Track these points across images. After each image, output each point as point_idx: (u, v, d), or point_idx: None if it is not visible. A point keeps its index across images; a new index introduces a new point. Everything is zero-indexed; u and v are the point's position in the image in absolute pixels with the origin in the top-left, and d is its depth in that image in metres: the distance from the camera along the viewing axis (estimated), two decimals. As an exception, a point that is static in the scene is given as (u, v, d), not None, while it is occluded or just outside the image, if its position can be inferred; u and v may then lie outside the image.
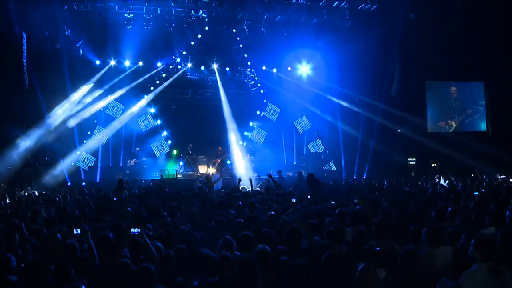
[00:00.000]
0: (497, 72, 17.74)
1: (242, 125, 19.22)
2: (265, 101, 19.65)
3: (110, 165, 18.18)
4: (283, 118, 19.29)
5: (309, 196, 8.63)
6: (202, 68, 18.87)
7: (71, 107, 16.41)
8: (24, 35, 14.06)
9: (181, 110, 19.58)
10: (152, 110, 18.48)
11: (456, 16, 16.23)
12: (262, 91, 20.04)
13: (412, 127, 18.56)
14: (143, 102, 18.05)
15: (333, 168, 19.08)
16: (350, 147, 19.02)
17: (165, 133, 18.62)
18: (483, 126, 19.99)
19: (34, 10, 13.35)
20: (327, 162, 19.44)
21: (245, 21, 16.80)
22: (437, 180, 12.46)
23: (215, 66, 18.85)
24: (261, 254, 4.09)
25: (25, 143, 14.42)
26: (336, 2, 16.29)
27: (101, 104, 17.32)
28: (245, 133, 19.45)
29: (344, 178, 17.29)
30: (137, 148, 17.86)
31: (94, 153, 17.00)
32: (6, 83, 13.63)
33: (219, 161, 17.66)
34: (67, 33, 15.56)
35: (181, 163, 18.09)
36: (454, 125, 19.89)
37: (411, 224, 4.99)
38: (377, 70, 17.67)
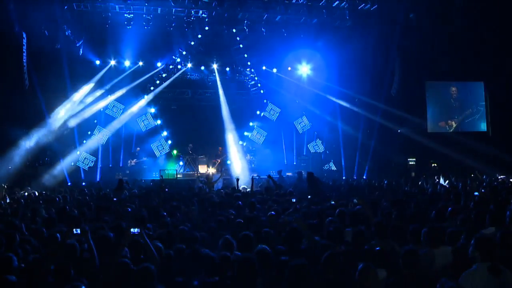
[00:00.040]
0: (497, 72, 17.74)
1: (242, 125, 19.21)
2: (265, 101, 19.65)
3: (110, 165, 18.18)
4: (283, 118, 19.27)
5: (309, 196, 8.63)
6: (202, 68, 18.87)
7: (72, 107, 16.41)
8: (24, 35, 14.06)
9: (181, 110, 19.58)
10: (152, 110, 18.49)
11: (456, 16, 16.24)
12: (262, 91, 20.05)
13: (412, 127, 18.56)
14: (143, 102, 18.06)
15: (333, 168, 19.07)
16: (350, 147, 19.01)
17: (165, 133, 18.62)
18: (483, 126, 19.97)
19: (34, 10, 13.36)
20: (327, 162, 19.44)
21: (245, 21, 16.79)
22: (437, 180, 12.45)
23: (215, 66, 18.84)
24: (261, 254, 4.08)
25: (26, 144, 14.43)
26: (336, 2, 16.29)
27: (101, 104, 17.32)
28: (245, 133, 19.44)
29: (344, 178, 17.28)
30: (138, 148, 17.87)
31: (94, 153, 17.00)
32: (6, 83, 13.64)
33: (219, 161, 17.65)
34: (67, 33, 15.56)
35: (181, 163, 18.09)
36: (454, 125, 19.87)
37: (411, 224, 4.99)
38: (377, 70, 17.69)
